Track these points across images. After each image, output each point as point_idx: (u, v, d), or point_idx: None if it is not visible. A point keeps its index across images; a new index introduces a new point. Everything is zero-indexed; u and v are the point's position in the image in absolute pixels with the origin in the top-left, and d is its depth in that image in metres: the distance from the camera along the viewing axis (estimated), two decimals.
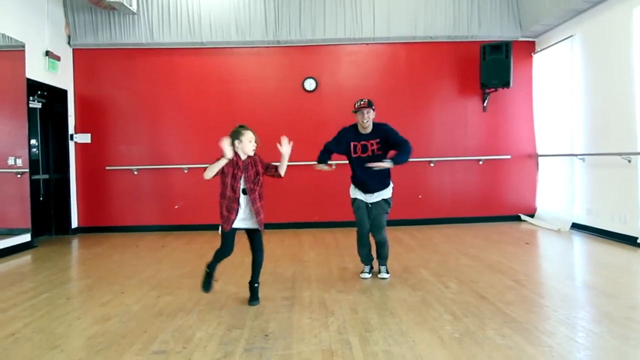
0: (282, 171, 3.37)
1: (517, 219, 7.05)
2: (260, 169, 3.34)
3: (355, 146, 3.86)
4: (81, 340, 2.72)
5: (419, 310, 3.13)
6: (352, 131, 3.92)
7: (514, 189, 7.10)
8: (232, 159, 3.22)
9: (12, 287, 3.92)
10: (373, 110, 3.83)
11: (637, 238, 4.99)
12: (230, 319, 3.03)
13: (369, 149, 3.84)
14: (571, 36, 6.08)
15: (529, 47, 7.05)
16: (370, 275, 4.04)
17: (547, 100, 6.72)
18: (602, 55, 5.60)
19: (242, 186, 3.28)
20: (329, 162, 3.92)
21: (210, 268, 3.34)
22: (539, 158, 7.02)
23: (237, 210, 3.26)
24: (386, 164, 3.68)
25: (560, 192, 6.48)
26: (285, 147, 3.31)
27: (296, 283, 3.90)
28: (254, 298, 3.39)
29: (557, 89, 6.46)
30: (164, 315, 3.14)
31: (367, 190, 3.91)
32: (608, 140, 5.51)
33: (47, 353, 2.55)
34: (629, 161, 5.12)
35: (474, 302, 3.26)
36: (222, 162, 3.15)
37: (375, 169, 3.70)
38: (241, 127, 3.32)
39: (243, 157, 3.31)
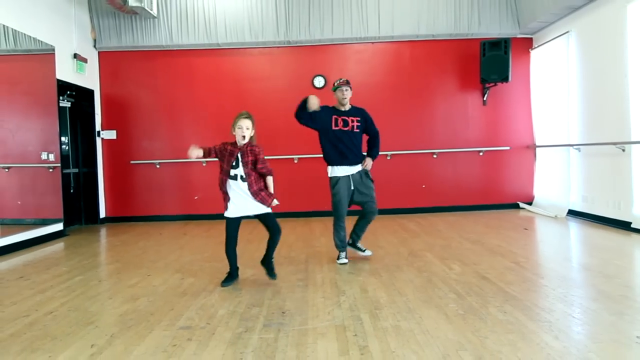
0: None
1: (516, 206, 7.00)
2: (256, 159, 3.27)
3: (336, 119, 3.86)
4: (113, 317, 2.78)
5: (425, 290, 3.14)
6: (331, 108, 3.93)
7: (513, 178, 7.05)
8: (226, 147, 3.33)
9: (49, 271, 4.00)
10: (351, 89, 3.89)
11: (630, 223, 4.95)
12: (250, 298, 3.07)
13: (349, 124, 3.87)
14: (567, 32, 5.99)
15: (527, 44, 6.96)
16: (348, 260, 3.95)
17: (545, 93, 6.64)
18: (597, 50, 5.52)
19: (238, 172, 3.26)
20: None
21: (230, 263, 3.39)
22: (537, 149, 6.95)
23: (228, 193, 3.29)
24: (369, 164, 3.92)
25: (557, 181, 6.42)
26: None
27: (309, 266, 3.93)
28: (270, 271, 3.44)
29: (553, 83, 6.38)
30: (188, 295, 3.19)
31: (348, 161, 3.85)
32: (603, 131, 5.45)
33: (83, 328, 2.61)
34: (623, 150, 5.06)
35: (476, 282, 3.26)
36: (192, 153, 3.37)
37: (366, 168, 3.90)
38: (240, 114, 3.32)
39: (239, 143, 3.30)
